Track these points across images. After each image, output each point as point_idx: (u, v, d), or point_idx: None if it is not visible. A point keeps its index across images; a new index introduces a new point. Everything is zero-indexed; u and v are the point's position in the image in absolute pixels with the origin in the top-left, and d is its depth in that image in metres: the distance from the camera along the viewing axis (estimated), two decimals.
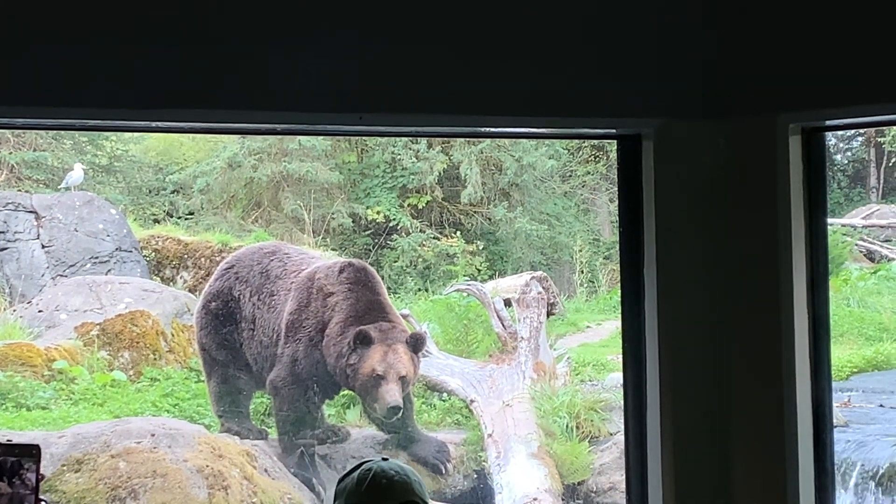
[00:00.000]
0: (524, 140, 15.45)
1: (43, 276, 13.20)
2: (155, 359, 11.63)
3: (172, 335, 11.87)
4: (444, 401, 10.99)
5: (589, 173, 18.90)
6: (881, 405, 10.67)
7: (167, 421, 9.70)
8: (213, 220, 16.78)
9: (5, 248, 13.30)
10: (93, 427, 9.29)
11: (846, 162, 20.86)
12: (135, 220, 15.63)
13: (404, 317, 10.60)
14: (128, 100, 3.19)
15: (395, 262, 16.67)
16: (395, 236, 16.94)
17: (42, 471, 2.70)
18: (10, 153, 16.40)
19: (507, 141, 16.11)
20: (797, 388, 3.38)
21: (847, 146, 20.74)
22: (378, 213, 16.92)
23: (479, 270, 16.23)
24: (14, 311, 12.31)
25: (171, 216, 17.25)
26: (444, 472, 9.93)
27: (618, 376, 10.04)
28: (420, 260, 16.60)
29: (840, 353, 11.79)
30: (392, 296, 12.08)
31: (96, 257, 13.41)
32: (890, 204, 18.90)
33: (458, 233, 16.94)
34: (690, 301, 3.50)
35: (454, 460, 10.09)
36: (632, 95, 3.47)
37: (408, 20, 3.34)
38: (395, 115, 3.43)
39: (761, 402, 3.42)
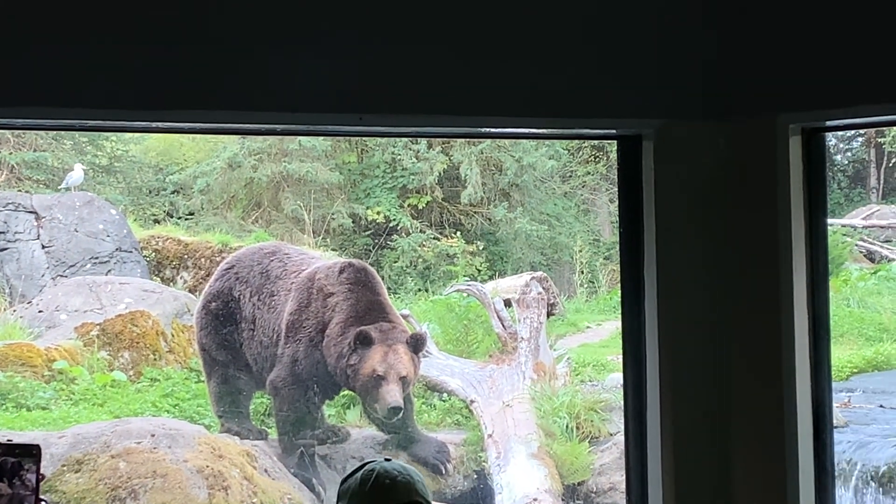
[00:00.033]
0: (524, 140, 15.45)
1: (43, 276, 13.20)
2: (155, 359, 11.63)
3: (172, 335, 11.86)
4: (444, 401, 10.99)
5: (589, 174, 18.90)
6: (881, 405, 10.67)
7: (167, 421, 9.70)
8: (213, 221, 16.78)
9: (5, 249, 13.30)
10: (93, 427, 9.29)
11: (846, 162, 20.86)
12: (135, 220, 15.63)
13: (404, 317, 10.59)
14: (128, 100, 3.19)
15: (396, 262, 16.67)
16: (395, 237, 16.94)
17: (42, 471, 2.70)
18: (11, 153, 16.40)
19: (507, 141, 16.10)
20: (797, 388, 3.38)
21: (847, 146, 20.75)
22: (378, 213, 16.92)
23: (480, 271, 16.23)
24: (14, 311, 12.31)
25: (172, 216, 17.25)
26: (444, 472, 9.92)
27: (618, 377, 10.04)
28: (420, 260, 16.60)
29: (840, 354, 11.79)
30: (392, 296, 12.08)
31: (96, 257, 13.41)
32: (890, 204, 18.89)
33: (459, 233, 16.94)
34: (690, 301, 3.50)
35: (454, 461, 10.08)
36: (632, 96, 3.48)
37: (408, 20, 3.35)
38: (395, 115, 3.43)
39: (761, 402, 3.42)
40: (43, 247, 13.41)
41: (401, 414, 9.52)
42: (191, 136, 16.14)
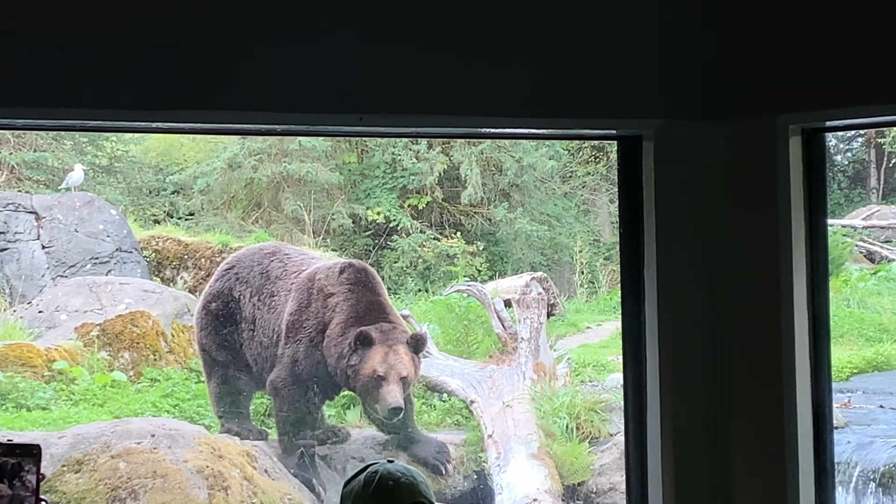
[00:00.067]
0: (524, 141, 15.45)
1: (43, 276, 13.20)
2: (155, 359, 11.63)
3: (172, 336, 11.86)
4: (444, 401, 10.99)
5: (589, 174, 18.90)
6: (881, 406, 10.67)
7: (167, 421, 9.69)
8: (213, 221, 16.78)
9: (5, 249, 13.30)
10: (93, 427, 9.29)
11: (846, 163, 20.85)
12: (135, 220, 15.62)
13: (404, 317, 10.59)
14: (128, 100, 3.19)
15: (396, 262, 16.67)
16: (395, 237, 16.94)
17: (42, 471, 2.70)
18: (11, 154, 16.41)
19: (507, 142, 16.11)
20: (797, 388, 3.38)
21: (847, 147, 20.74)
22: (378, 213, 16.93)
23: (480, 271, 16.23)
24: (14, 311, 12.31)
25: (172, 217, 17.25)
26: (444, 472, 9.92)
27: (618, 377, 10.04)
28: (420, 260, 16.60)
29: (840, 354, 11.79)
30: (392, 296, 12.08)
31: (96, 258, 13.41)
32: (890, 205, 18.89)
33: (459, 233, 16.94)
34: (690, 301, 3.50)
35: (454, 461, 10.08)
36: (632, 96, 3.48)
37: (408, 21, 3.35)
38: (396, 115, 3.43)
39: (761, 402, 3.42)
40: (43, 247, 13.41)
41: (401, 414, 9.52)
42: (191, 136, 16.14)
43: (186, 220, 17.07)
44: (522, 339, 10.82)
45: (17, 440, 2.73)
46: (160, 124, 3.52)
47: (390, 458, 2.86)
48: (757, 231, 3.44)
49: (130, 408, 10.67)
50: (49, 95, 3.15)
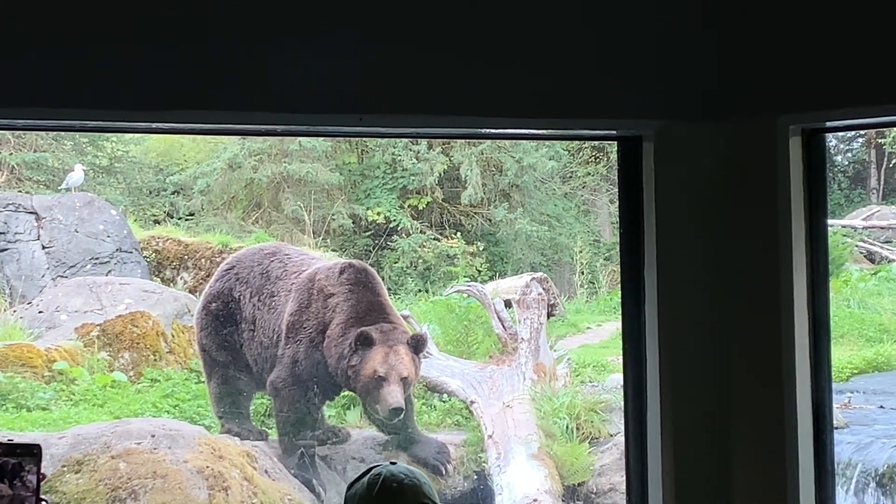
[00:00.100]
0: (524, 141, 15.45)
1: (43, 276, 13.20)
2: (155, 360, 11.63)
3: (173, 336, 11.87)
4: (444, 402, 10.99)
5: (589, 174, 18.90)
6: (881, 406, 10.67)
7: (167, 422, 9.70)
8: (213, 221, 16.78)
9: (6, 249, 13.30)
10: (93, 428, 9.29)
11: (846, 163, 20.85)
12: (135, 220, 15.63)
13: (405, 318, 10.59)
14: (128, 101, 3.19)
15: (396, 263, 16.68)
16: (395, 237, 16.94)
17: (42, 471, 2.70)
18: (11, 154, 16.41)
19: (507, 142, 16.11)
20: (797, 388, 3.38)
21: (847, 147, 20.74)
22: (378, 214, 16.93)
23: (480, 271, 16.24)
24: (14, 311, 12.31)
25: (172, 217, 17.25)
26: (444, 473, 9.92)
27: (618, 377, 10.04)
28: (420, 261, 16.60)
29: (840, 355, 11.78)
30: (392, 297, 12.07)
31: (97, 258, 13.41)
32: (890, 205, 18.89)
33: (459, 234, 16.94)
34: (690, 302, 3.50)
35: (454, 461, 10.08)
36: (632, 97, 3.48)
37: (408, 21, 3.35)
38: (396, 116, 3.43)
39: (761, 403, 3.42)
40: (43, 247, 13.41)
41: (402, 415, 9.52)
42: (191, 136, 16.14)
43: (186, 220, 17.08)
44: (522, 339, 10.83)
45: (17, 440, 2.73)
46: (160, 125, 3.52)
47: (393, 461, 2.87)
48: (757, 231, 3.44)
49: (130, 408, 10.67)
50: (49, 96, 3.15)
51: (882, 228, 17.37)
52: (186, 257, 14.26)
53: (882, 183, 20.08)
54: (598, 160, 18.87)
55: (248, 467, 9.08)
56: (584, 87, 3.46)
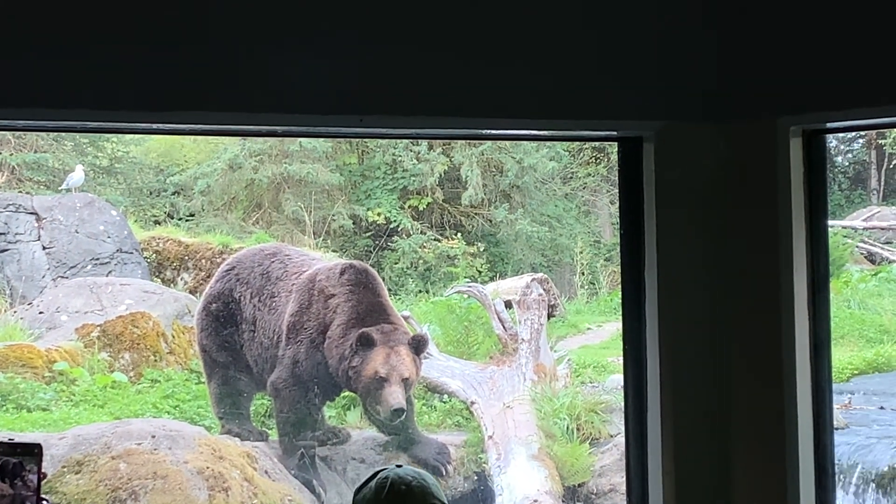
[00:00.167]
0: (525, 142, 15.45)
1: (44, 277, 13.21)
2: (155, 360, 11.64)
3: (173, 337, 11.87)
4: (444, 402, 10.99)
5: (590, 175, 18.90)
6: (881, 407, 10.66)
7: (168, 422, 9.70)
8: (213, 222, 16.78)
9: (6, 250, 13.30)
10: (93, 428, 9.29)
11: (847, 164, 20.85)
12: (135, 221, 15.63)
13: (405, 318, 10.59)
14: (128, 101, 3.19)
15: (396, 263, 16.68)
16: (395, 238, 16.94)
17: (43, 471, 2.70)
18: (12, 154, 16.41)
19: (507, 143, 16.10)
20: (797, 389, 3.38)
21: (848, 148, 20.74)
22: (379, 214, 16.93)
23: (480, 272, 16.24)
24: (15, 312, 12.32)
25: (172, 218, 17.25)
26: (444, 473, 9.92)
27: (618, 378, 10.04)
28: (421, 261, 16.61)
29: (840, 355, 11.78)
30: (393, 297, 12.07)
31: (97, 259, 13.41)
32: (891, 206, 18.89)
33: (459, 234, 16.95)
34: (691, 302, 3.50)
35: (454, 462, 10.08)
36: (632, 98, 3.48)
37: (408, 21, 3.35)
38: (396, 116, 3.43)
39: (761, 403, 3.42)
40: (43, 248, 13.42)
41: (404, 416, 9.52)
42: (191, 137, 16.14)
43: (187, 220, 17.08)
44: (523, 340, 10.82)
45: (18, 440, 2.73)
46: (161, 126, 3.53)
47: (398, 464, 2.88)
48: (757, 232, 3.44)
49: (131, 409, 10.67)
50: (49, 96, 3.15)
51: (882, 229, 17.37)
52: (187, 258, 14.26)
53: (882, 184, 20.08)
54: (598, 161, 18.88)
55: (248, 468, 9.08)
56: (584, 88, 3.46)
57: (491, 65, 3.37)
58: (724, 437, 3.45)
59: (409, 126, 3.69)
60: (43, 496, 2.69)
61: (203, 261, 14.12)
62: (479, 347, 11.69)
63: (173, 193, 17.72)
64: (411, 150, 16.98)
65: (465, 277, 15.01)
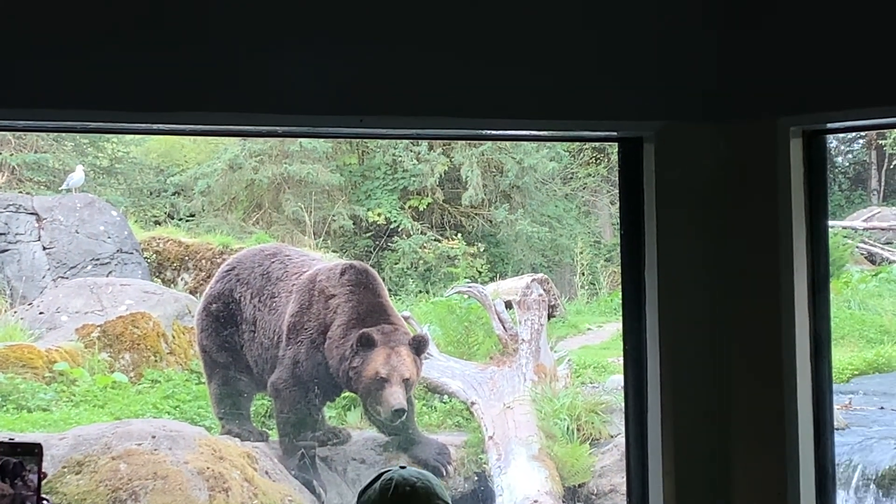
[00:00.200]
0: (525, 142, 15.45)
1: (44, 277, 13.20)
2: (156, 360, 11.64)
3: (173, 337, 11.87)
4: (444, 403, 10.99)
5: (590, 175, 18.90)
6: (882, 407, 10.66)
7: (168, 423, 9.70)
8: (213, 222, 16.78)
9: (6, 250, 13.30)
10: (93, 429, 9.29)
11: (847, 164, 20.84)
12: (136, 221, 15.62)
13: (405, 319, 10.59)
14: (128, 102, 3.19)
15: (396, 264, 16.67)
16: (395, 238, 16.94)
17: (43, 471, 2.70)
18: (12, 155, 16.40)
19: (508, 143, 16.10)
20: (798, 389, 3.38)
21: (848, 148, 20.74)
22: (379, 215, 16.93)
23: (480, 272, 16.23)
24: (15, 312, 12.32)
25: (172, 218, 17.25)
26: (444, 474, 9.92)
27: (618, 378, 10.04)
28: (421, 262, 16.60)
29: (841, 356, 11.78)
30: (393, 298, 12.07)
31: (97, 259, 13.41)
32: (891, 206, 18.88)
33: (459, 235, 16.94)
34: (691, 303, 3.50)
35: (455, 462, 10.08)
36: (633, 98, 3.48)
37: (408, 21, 3.35)
38: (396, 117, 3.43)
39: (761, 403, 3.42)
40: (44, 248, 13.41)
41: (404, 416, 9.52)
42: (191, 137, 16.14)
43: (187, 221, 17.07)
44: (523, 340, 10.82)
45: (18, 439, 2.73)
46: (161, 126, 3.53)
47: (402, 465, 2.89)
48: (757, 233, 3.44)
49: (131, 409, 10.67)
50: (49, 96, 3.15)
51: (883, 230, 17.36)
52: (187, 258, 14.26)
53: (883, 184, 20.07)
54: (598, 161, 18.87)
55: (248, 468, 9.08)
56: (584, 88, 3.46)
57: (491, 65, 3.37)
58: (724, 437, 3.45)
59: (409, 126, 3.69)
60: (43, 496, 2.69)
61: (203, 261, 14.12)
62: (480, 348, 11.69)
63: (173, 194, 17.72)
64: (411, 151, 16.98)
65: (466, 278, 15.01)
